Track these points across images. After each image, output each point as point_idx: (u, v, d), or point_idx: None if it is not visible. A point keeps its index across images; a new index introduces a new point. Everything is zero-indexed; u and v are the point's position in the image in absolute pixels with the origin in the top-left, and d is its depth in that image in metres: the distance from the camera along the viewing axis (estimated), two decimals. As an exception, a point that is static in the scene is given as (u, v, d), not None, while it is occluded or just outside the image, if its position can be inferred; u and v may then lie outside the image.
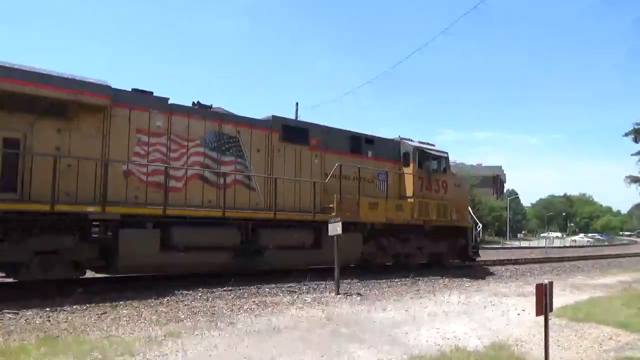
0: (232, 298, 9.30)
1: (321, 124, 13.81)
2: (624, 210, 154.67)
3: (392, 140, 15.64)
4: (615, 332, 7.40)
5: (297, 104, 26.88)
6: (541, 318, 4.48)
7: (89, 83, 9.37)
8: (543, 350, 4.52)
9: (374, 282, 12.33)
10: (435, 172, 16.00)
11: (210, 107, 11.87)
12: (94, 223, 9.52)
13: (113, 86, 9.91)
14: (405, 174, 15.25)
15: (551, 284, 4.46)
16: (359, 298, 10.05)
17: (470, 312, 8.83)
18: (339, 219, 10.57)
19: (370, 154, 14.68)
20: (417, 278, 13.59)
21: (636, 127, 15.91)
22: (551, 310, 4.49)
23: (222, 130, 11.73)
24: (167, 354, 5.46)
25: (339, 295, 10.14)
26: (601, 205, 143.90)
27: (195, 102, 11.67)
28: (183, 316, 7.60)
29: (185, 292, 9.61)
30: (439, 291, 11.70)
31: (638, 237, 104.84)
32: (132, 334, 6.35)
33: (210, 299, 9.14)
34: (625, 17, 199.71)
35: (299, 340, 6.36)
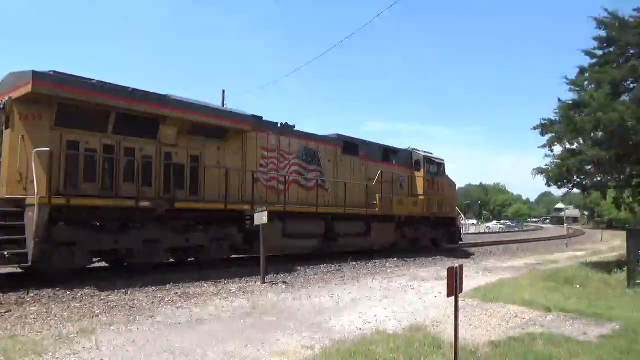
0: (153, 291, 8.96)
1: (365, 139, 17.71)
2: (533, 198, 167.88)
3: (407, 150, 19.62)
4: (521, 310, 8.03)
5: (223, 91, 26.38)
6: (453, 299, 4.74)
7: (239, 114, 12.91)
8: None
9: (301, 270, 12.46)
10: (436, 175, 20.13)
11: (294, 126, 15.08)
12: (247, 217, 12.34)
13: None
14: (417, 177, 19.33)
15: (461, 267, 4.72)
16: (284, 286, 10.09)
17: (391, 296, 9.17)
18: (264, 208, 10.55)
19: (394, 161, 18.53)
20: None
21: (542, 122, 17.16)
22: (461, 291, 4.75)
23: (308, 146, 15.27)
24: (78, 352, 5.16)
25: (265, 284, 10.13)
26: (512, 194, 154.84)
27: (283, 123, 14.73)
28: (98, 311, 7.22)
29: (103, 285, 9.14)
30: (362, 277, 12.04)
31: (544, 223, 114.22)
32: (40, 332, 5.94)
33: (129, 292, 8.75)
34: (546, 18, 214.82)
35: (222, 330, 6.27)
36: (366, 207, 16.26)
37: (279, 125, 14.52)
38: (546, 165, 17.47)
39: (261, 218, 10.44)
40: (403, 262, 15.85)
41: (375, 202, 16.48)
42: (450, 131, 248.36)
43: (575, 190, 18.96)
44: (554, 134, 16.88)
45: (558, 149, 17.27)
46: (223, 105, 23.93)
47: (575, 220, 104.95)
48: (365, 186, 16.63)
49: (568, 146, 16.81)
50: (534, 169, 17.53)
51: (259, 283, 10.24)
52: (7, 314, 6.91)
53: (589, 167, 16.28)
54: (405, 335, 6.21)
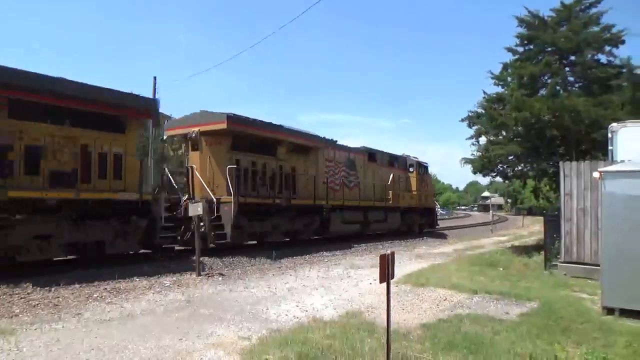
0: (80, 287, 8.51)
1: (382, 149, 23.03)
2: (461, 187, 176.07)
3: (402, 156, 24.87)
4: (449, 293, 8.44)
5: (154, 78, 25.42)
6: (390, 285, 4.90)
7: (316, 136, 17.73)
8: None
9: (238, 261, 12.34)
10: (423, 174, 26.07)
11: (336, 141, 19.39)
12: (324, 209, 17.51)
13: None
14: (411, 177, 24.99)
15: (392, 254, 4.87)
16: (220, 278, 9.96)
17: (328, 285, 9.31)
18: (200, 201, 10.37)
19: (396, 165, 23.87)
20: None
21: (470, 114, 18.06)
22: (392, 277, 4.91)
23: (349, 157, 20.08)
24: (-3, 354, 4.82)
25: (200, 277, 9.94)
26: (443, 183, 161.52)
27: (330, 139, 18.91)
28: (18, 310, 6.77)
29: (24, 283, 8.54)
30: (299, 267, 12.13)
31: (472, 210, 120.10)
32: (-49, 335, 5.48)
33: (53, 289, 8.25)
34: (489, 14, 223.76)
35: (155, 325, 6.10)
36: (384, 201, 21.74)
37: (333, 141, 19.18)
38: (472, 155, 18.41)
39: (196, 209, 10.21)
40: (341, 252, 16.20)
41: (389, 197, 22.04)
42: (387, 122, 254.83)
43: (499, 179, 20.24)
44: (479, 127, 17.80)
45: (483, 139, 18.27)
46: (154, 94, 23.55)
47: (500, 207, 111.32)
48: (382, 185, 21.93)
49: (492, 138, 17.80)
50: (462, 159, 18.44)
51: (194, 276, 10.04)
52: None
53: (511, 157, 17.35)
54: (341, 321, 6.35)
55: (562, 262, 11.28)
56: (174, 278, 9.75)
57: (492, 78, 18.04)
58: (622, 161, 9.77)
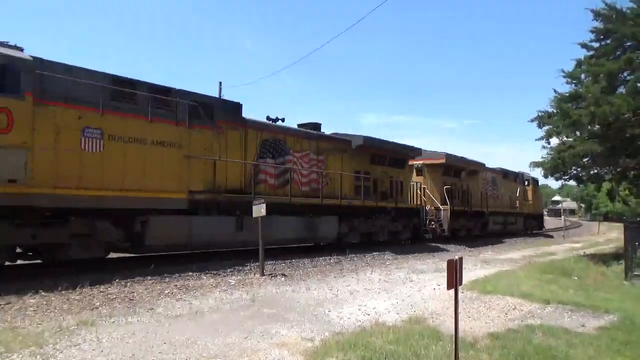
0: (152, 283, 8.95)
1: (507, 168, 30.01)
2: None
3: (521, 172, 31.40)
4: (519, 302, 8.06)
5: (220, 83, 26.29)
6: (453, 292, 4.75)
7: (481, 163, 24.28)
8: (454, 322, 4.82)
9: (299, 263, 12.49)
10: (535, 187, 33.14)
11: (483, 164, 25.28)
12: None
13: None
14: (528, 190, 32.33)
15: (461, 259, 4.71)
16: (283, 279, 10.10)
17: (390, 289, 9.19)
18: (263, 201, 10.52)
19: (518, 180, 30.88)
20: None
21: (539, 114, 17.16)
22: (460, 284, 4.74)
23: (493, 175, 27.29)
24: (79, 344, 5.16)
25: (264, 277, 10.14)
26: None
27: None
28: (98, 303, 7.21)
29: (102, 278, 9.11)
30: (361, 270, 12.07)
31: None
32: (40, 324, 5.93)
33: (128, 284, 8.72)
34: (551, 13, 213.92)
35: (222, 322, 6.28)
36: (514, 208, 30.24)
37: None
38: (543, 157, 17.53)
39: (260, 210, 10.42)
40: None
41: (516, 206, 30.45)
42: (453, 122, 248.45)
43: (572, 183, 19.18)
44: (550, 127, 16.90)
45: (555, 140, 17.33)
46: (220, 96, 24.21)
47: (572, 212, 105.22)
48: (512, 197, 30.15)
49: (565, 138, 16.85)
50: (531, 162, 17.62)
51: (257, 275, 10.25)
52: (6, 305, 6.90)
53: (586, 159, 16.33)
54: (405, 327, 6.24)
55: (645, 273, 10.48)
56: (239, 277, 10.02)
57: (564, 76, 17.09)
58: None
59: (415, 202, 20.49)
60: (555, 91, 17.09)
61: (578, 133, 16.48)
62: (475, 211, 24.00)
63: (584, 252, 18.29)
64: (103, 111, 9.51)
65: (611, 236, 32.04)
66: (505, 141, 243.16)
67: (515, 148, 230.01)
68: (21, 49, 8.83)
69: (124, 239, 10.08)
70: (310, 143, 15.01)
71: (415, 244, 19.24)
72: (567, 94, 16.78)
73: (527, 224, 31.84)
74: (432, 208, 21.48)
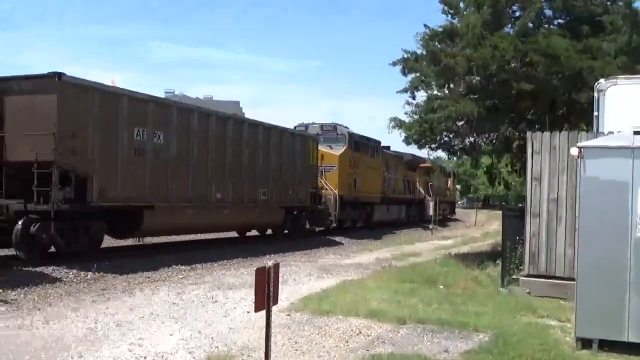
0: None
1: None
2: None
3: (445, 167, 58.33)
4: (366, 324, 8.75)
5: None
6: (271, 314, 4.91)
7: (422, 157, 48.15)
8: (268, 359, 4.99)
9: (38, 283, 11.81)
10: (452, 178, 57.42)
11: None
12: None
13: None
14: (449, 180, 57.22)
15: (277, 266, 4.90)
16: (3, 309, 9.49)
17: (181, 316, 9.21)
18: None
19: (445, 172, 55.80)
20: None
21: (406, 55, 18.22)
22: (275, 303, 4.96)
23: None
24: None
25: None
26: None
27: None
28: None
29: None
30: (138, 287, 11.91)
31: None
32: None
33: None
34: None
35: None
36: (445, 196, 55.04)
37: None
38: (407, 116, 19.01)
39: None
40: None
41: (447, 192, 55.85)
42: (284, 64, 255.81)
43: (443, 154, 21.40)
44: (417, 74, 18.33)
45: (422, 95, 18.89)
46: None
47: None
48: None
49: (435, 93, 18.49)
50: (390, 120, 18.94)
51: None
52: None
53: (461, 123, 18.18)
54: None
55: (525, 276, 12.19)
56: None
57: (440, 2, 18.44)
58: (611, 133, 10.31)
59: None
60: (425, 26, 18.33)
61: (452, 85, 18.13)
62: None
63: (455, 252, 20.58)
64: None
65: (491, 228, 36.56)
66: (361, 94, 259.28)
67: (376, 105, 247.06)
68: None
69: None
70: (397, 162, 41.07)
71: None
72: (441, 29, 18.14)
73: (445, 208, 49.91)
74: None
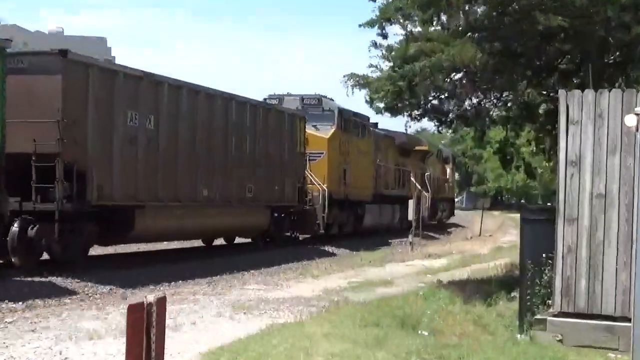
0: None
1: None
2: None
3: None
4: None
5: None
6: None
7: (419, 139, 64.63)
8: None
9: None
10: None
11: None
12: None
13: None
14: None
15: (161, 302, 4.60)
16: None
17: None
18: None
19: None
20: None
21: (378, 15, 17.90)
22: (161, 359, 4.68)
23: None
24: None
25: None
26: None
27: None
28: None
29: None
30: None
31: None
32: None
33: None
34: None
35: None
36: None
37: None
38: (373, 69, 18.71)
39: None
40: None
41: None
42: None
43: (429, 126, 21.22)
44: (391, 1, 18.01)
45: (398, 34, 18.59)
46: None
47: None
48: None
49: (417, 30, 18.19)
50: (347, 76, 18.62)
51: None
52: None
53: (457, 77, 17.95)
54: None
55: (556, 315, 12.00)
56: None
57: None
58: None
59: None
60: None
61: (444, 19, 17.85)
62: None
63: (447, 278, 20.37)
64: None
65: (504, 240, 36.69)
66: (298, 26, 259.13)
67: (326, 47, 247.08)
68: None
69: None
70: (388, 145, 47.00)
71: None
72: None
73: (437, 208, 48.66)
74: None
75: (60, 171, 16.92)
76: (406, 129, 40.24)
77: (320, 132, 33.29)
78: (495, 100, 19.14)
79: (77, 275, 19.03)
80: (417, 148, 49.76)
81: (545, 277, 12.66)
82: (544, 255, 12.68)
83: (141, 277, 20.01)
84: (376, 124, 42.52)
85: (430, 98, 18.85)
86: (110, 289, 18.19)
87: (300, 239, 33.34)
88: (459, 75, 18.01)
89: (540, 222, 13.32)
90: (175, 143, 22.36)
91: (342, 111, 35.14)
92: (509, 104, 19.33)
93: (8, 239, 17.04)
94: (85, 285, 18.25)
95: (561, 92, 12.33)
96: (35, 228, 16.97)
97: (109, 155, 19.27)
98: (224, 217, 26.39)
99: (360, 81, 18.57)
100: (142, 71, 21.44)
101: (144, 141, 20.62)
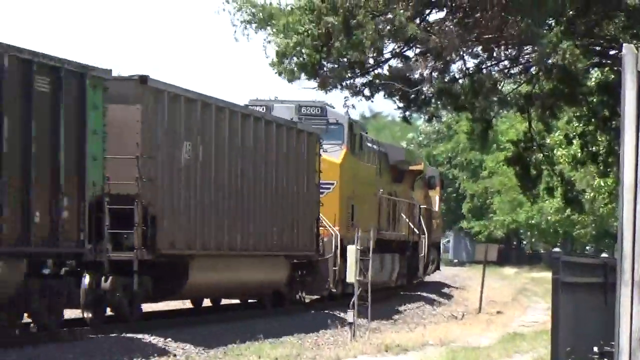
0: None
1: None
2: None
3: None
4: None
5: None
6: None
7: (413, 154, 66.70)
8: None
9: None
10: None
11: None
12: None
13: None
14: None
15: None
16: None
17: None
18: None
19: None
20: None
21: None
22: None
23: None
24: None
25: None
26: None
27: None
28: None
29: None
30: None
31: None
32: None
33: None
34: None
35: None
36: None
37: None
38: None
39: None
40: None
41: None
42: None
43: (388, 105, 17.48)
44: None
45: None
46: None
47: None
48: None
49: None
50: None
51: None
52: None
53: (438, 14, 11.98)
54: None
55: None
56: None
57: None
58: None
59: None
60: None
61: None
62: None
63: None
64: None
65: (524, 320, 28.54)
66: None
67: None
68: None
69: None
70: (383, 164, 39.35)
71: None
72: None
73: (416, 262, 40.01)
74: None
75: (139, 215, 16.09)
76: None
77: (330, 155, 27.05)
78: (507, 63, 13.47)
79: (158, 333, 18.53)
80: (411, 168, 42.63)
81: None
82: (595, 349, 9.41)
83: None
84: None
85: (388, 54, 13.42)
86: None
87: (306, 301, 28.60)
88: (440, 14, 12.81)
89: (588, 288, 9.78)
90: (223, 176, 20.52)
91: (352, 124, 28.95)
92: (531, 70, 13.80)
93: (80, 291, 15.92)
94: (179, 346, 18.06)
95: (628, 47, 7.30)
96: (109, 280, 16.15)
97: (176, 196, 17.95)
98: (252, 271, 23.28)
99: (260, 14, 13.56)
100: (197, 93, 19.49)
101: (196, 177, 18.96)
